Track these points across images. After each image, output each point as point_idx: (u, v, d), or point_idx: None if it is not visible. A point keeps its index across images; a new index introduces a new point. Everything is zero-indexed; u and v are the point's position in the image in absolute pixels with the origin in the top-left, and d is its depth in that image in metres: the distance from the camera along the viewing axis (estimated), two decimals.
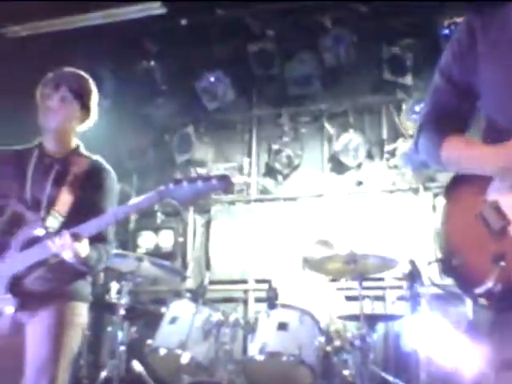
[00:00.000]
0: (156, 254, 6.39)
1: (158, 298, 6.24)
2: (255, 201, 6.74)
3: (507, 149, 1.85)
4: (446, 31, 5.65)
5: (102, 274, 6.41)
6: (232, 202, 6.76)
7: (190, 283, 6.38)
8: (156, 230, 6.82)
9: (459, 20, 5.47)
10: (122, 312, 4.79)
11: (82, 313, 3.09)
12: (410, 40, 6.08)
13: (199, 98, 6.79)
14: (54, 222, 2.96)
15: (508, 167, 1.84)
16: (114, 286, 5.37)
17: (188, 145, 6.80)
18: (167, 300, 5.19)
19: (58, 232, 2.85)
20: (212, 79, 6.71)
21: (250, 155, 6.88)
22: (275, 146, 6.70)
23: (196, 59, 6.84)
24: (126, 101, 6.88)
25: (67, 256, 2.80)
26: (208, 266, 6.59)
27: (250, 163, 6.84)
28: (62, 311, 2.97)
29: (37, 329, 2.95)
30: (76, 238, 2.78)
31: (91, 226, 2.82)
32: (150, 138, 7.00)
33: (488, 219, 1.88)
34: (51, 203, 3.03)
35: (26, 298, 2.94)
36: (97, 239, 2.96)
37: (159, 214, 6.86)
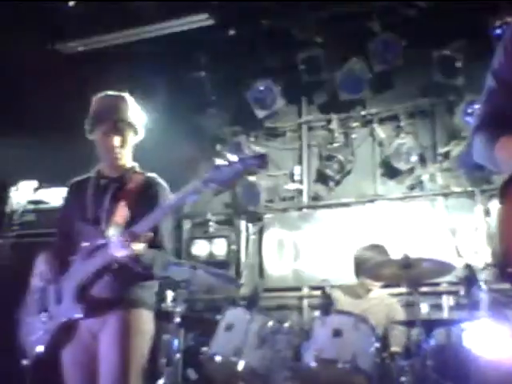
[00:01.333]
0: (210, 262, 6.44)
1: (212, 306, 6.28)
2: (307, 208, 6.74)
3: None
4: (498, 31, 5.55)
5: (157, 283, 6.49)
6: (284, 210, 6.77)
7: (244, 291, 6.40)
8: (209, 238, 6.87)
9: (510, 19, 5.37)
10: (177, 320, 4.84)
11: (148, 320, 3.19)
12: (460, 41, 5.99)
13: (249, 107, 6.84)
14: (114, 232, 3.08)
15: None
16: (170, 294, 5.43)
17: (239, 154, 6.83)
18: (222, 307, 5.21)
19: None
20: (261, 88, 6.76)
21: (300, 162, 6.88)
22: (326, 152, 6.68)
23: (245, 69, 6.90)
24: (178, 112, 6.97)
25: (125, 256, 2.92)
26: (261, 274, 6.61)
27: (302, 170, 6.84)
28: (129, 319, 3.10)
29: (107, 336, 3.05)
30: (133, 237, 2.90)
31: (144, 222, 2.93)
32: (202, 148, 7.07)
33: None
34: (110, 217, 3.17)
35: (93, 305, 3.07)
36: (152, 245, 3.06)
37: (212, 223, 6.92)
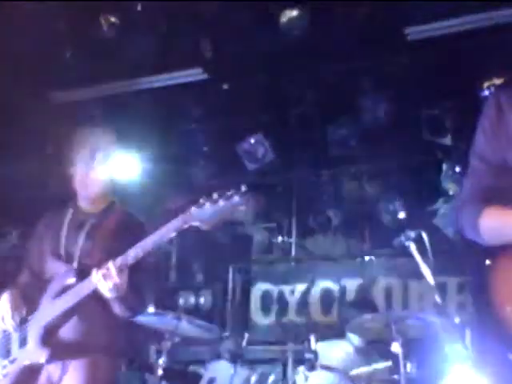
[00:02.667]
0: (195, 313, 6.38)
1: (196, 359, 6.20)
2: (295, 261, 6.74)
3: None
4: (486, 93, 5.67)
5: (140, 334, 6.42)
6: (272, 263, 6.77)
7: (228, 344, 6.32)
8: (196, 289, 6.83)
9: (498, 81, 5.50)
10: (159, 372, 4.77)
11: (113, 367, 3.07)
12: (449, 101, 6.11)
13: (240, 160, 6.89)
14: (85, 272, 2.96)
15: None
16: (153, 345, 5.36)
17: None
18: (205, 360, 5.14)
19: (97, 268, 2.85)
20: (252, 141, 6.82)
21: (289, 215, 6.91)
22: (315, 207, 6.72)
23: (237, 122, 6.98)
24: (169, 163, 7.01)
25: (106, 288, 2.79)
26: (247, 327, 6.55)
27: (290, 223, 6.86)
28: (94, 366, 2.95)
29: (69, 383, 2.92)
30: (120, 268, 2.80)
31: (129, 255, 2.84)
32: (192, 200, 7.07)
33: None
34: (84, 255, 3.08)
35: (58, 349, 2.93)
36: (131, 291, 2.95)
37: (199, 274, 6.90)
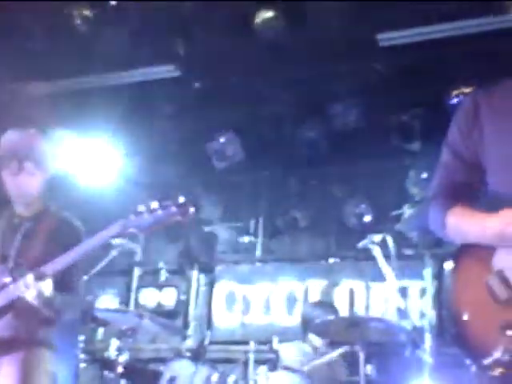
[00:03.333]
0: (158, 311, 6.35)
1: (157, 357, 6.17)
2: (260, 261, 6.75)
3: (502, 215, 1.89)
4: (454, 101, 5.76)
5: (100, 330, 6.37)
6: (237, 262, 6.77)
7: (190, 342, 6.32)
8: (159, 287, 6.80)
9: (467, 90, 5.58)
10: (120, 370, 4.73)
11: (49, 360, 3.07)
12: (418, 108, 6.18)
13: (209, 158, 6.88)
14: (20, 272, 2.97)
15: (502, 232, 1.87)
16: (114, 342, 5.31)
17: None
18: (167, 359, 5.12)
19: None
20: (222, 140, 6.82)
21: (256, 215, 6.92)
22: (282, 208, 6.75)
23: (207, 120, 6.96)
24: (138, 160, 6.97)
25: (31, 296, 2.82)
26: (210, 326, 6.54)
27: (257, 223, 6.87)
28: (29, 359, 2.98)
29: (5, 378, 2.93)
30: (39, 277, 2.83)
31: (55, 264, 2.87)
32: (159, 196, 7.04)
33: (494, 289, 1.89)
34: (19, 256, 3.09)
35: None
36: (63, 288, 2.98)
37: (163, 272, 6.86)
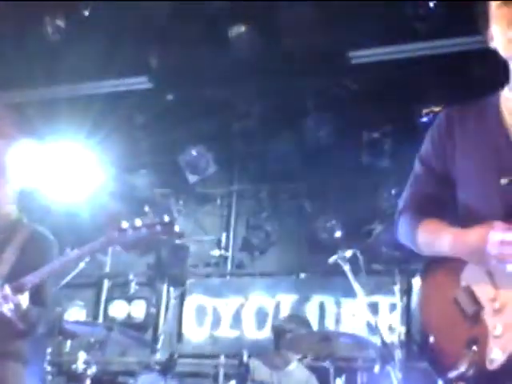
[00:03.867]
0: (127, 324, 6.30)
1: (126, 370, 6.11)
2: (231, 275, 6.74)
3: (477, 232, 1.90)
4: (424, 119, 5.84)
5: (68, 343, 6.30)
6: (208, 276, 6.75)
7: (160, 356, 6.27)
8: (129, 299, 6.74)
9: (437, 109, 5.66)
10: (87, 383, 4.68)
11: (20, 374, 3.03)
12: (389, 126, 6.26)
13: (181, 171, 6.87)
14: None
15: (476, 249, 1.88)
16: (82, 355, 5.26)
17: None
18: (136, 372, 5.09)
19: None
20: (194, 153, 6.82)
21: (228, 229, 6.92)
22: (253, 222, 6.76)
23: (180, 133, 6.95)
24: (110, 170, 6.93)
25: (7, 308, 2.78)
26: (179, 339, 6.51)
27: (228, 237, 6.87)
28: (1, 373, 2.93)
29: None
30: (17, 290, 2.80)
31: (33, 276, 2.83)
32: (130, 208, 7.01)
33: (462, 304, 1.92)
34: None
35: None
36: (36, 301, 2.95)
37: (133, 284, 6.81)
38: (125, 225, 2.79)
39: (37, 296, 2.94)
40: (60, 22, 5.84)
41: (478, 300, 1.89)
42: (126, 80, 6.28)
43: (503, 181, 1.52)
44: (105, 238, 2.82)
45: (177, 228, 2.80)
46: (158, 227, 2.75)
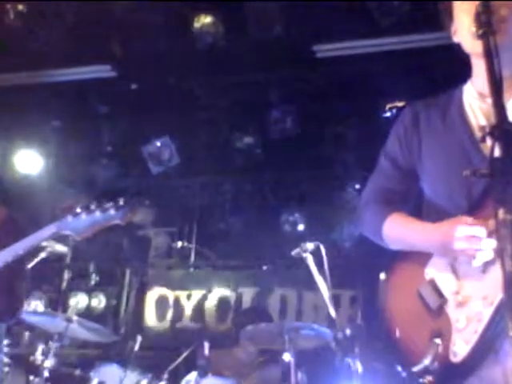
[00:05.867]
0: (87, 315, 6.23)
1: (85, 361, 6.04)
2: (193, 267, 6.72)
3: (444, 227, 1.91)
4: (388, 114, 5.90)
5: (26, 334, 6.20)
6: (169, 267, 6.71)
7: (120, 348, 6.21)
8: (89, 291, 6.68)
9: (400, 104, 5.72)
10: (45, 374, 4.60)
11: None
12: (352, 120, 6.30)
13: (144, 162, 6.80)
14: None
15: (444, 244, 1.90)
16: (41, 346, 5.17)
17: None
18: (95, 364, 5.02)
19: None
20: (158, 144, 6.76)
21: (190, 221, 6.89)
22: (216, 213, 6.74)
23: (144, 123, 6.89)
24: (71, 159, 6.84)
25: None
26: (140, 331, 6.45)
27: (191, 229, 6.84)
28: None
29: None
30: None
31: None
32: (90, 198, 6.92)
33: (425, 297, 1.93)
34: None
35: None
36: (2, 292, 2.90)
37: (93, 275, 6.74)
38: (78, 209, 2.72)
39: (3, 283, 2.87)
40: (21, 8, 5.70)
41: (442, 293, 1.91)
42: (89, 68, 6.17)
43: (465, 173, 1.54)
44: (57, 223, 2.74)
45: (132, 212, 2.73)
46: (113, 210, 2.68)
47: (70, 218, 2.71)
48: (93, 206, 2.70)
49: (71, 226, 2.71)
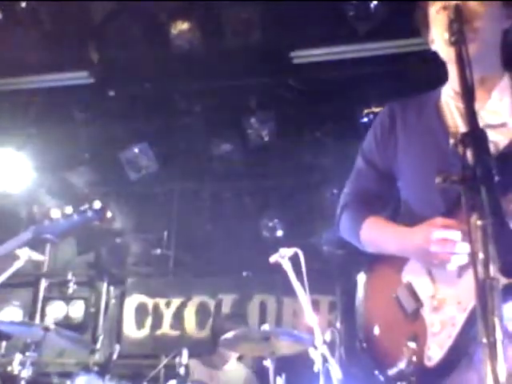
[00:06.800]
0: (65, 324, 6.17)
1: (63, 371, 5.98)
2: (172, 274, 6.68)
3: (419, 231, 1.91)
4: (365, 119, 5.92)
5: (3, 343, 6.13)
6: (148, 275, 6.67)
7: (98, 356, 6.15)
8: (67, 299, 6.61)
9: (377, 110, 5.75)
10: None
11: None
12: (330, 126, 6.31)
13: (122, 168, 6.76)
14: None
15: (418, 249, 1.90)
16: (18, 356, 5.11)
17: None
18: (73, 373, 4.97)
19: None
20: (136, 150, 6.72)
21: (169, 228, 6.86)
22: (195, 220, 6.72)
23: (121, 129, 6.84)
24: (48, 166, 6.77)
25: None
26: (119, 339, 6.41)
27: (170, 236, 6.81)
28: None
29: None
30: None
31: None
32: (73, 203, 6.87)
33: (402, 301, 1.94)
34: None
35: None
36: None
37: (71, 284, 6.68)
38: (55, 213, 2.73)
39: None
40: None
41: (419, 297, 1.91)
42: (67, 74, 6.13)
43: (437, 180, 1.55)
44: (34, 227, 2.75)
45: (109, 214, 2.77)
46: (90, 213, 2.72)
47: (46, 223, 2.72)
48: (69, 210, 2.72)
49: (49, 230, 2.74)
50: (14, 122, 6.14)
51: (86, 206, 2.77)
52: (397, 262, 2.01)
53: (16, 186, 6.38)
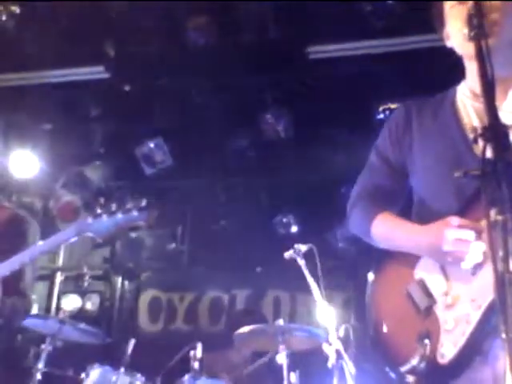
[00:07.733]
0: (81, 317, 6.20)
1: (78, 364, 6.01)
2: (186, 269, 6.70)
3: (433, 229, 1.91)
4: (381, 116, 5.89)
5: (19, 336, 6.17)
6: (163, 269, 6.70)
7: (113, 350, 6.19)
8: (82, 293, 6.66)
9: (393, 106, 5.72)
10: (38, 377, 4.59)
11: None
12: (346, 122, 6.29)
13: (137, 163, 6.78)
14: None
15: (432, 247, 1.89)
16: (33, 349, 5.16)
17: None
18: (88, 366, 5.00)
19: None
20: (151, 145, 6.74)
21: (184, 222, 6.87)
22: (209, 215, 6.73)
23: (137, 124, 6.86)
24: (63, 161, 6.81)
25: None
26: (133, 333, 6.43)
27: (184, 230, 6.82)
28: None
29: None
30: None
31: (8, 264, 2.68)
32: (84, 200, 6.91)
33: (414, 297, 1.93)
34: None
35: None
36: (13, 292, 2.83)
37: (87, 277, 6.72)
38: (99, 210, 2.63)
39: (16, 284, 2.79)
40: (14, 9, 5.69)
41: (431, 294, 1.90)
42: (82, 69, 6.16)
43: (457, 174, 1.54)
44: (78, 224, 2.66)
45: (155, 213, 2.66)
46: (135, 212, 2.58)
47: (90, 220, 2.62)
48: (114, 207, 2.61)
49: (92, 228, 2.62)
50: (29, 116, 6.17)
51: (132, 204, 2.60)
52: (409, 259, 2.00)
53: (32, 181, 6.42)
